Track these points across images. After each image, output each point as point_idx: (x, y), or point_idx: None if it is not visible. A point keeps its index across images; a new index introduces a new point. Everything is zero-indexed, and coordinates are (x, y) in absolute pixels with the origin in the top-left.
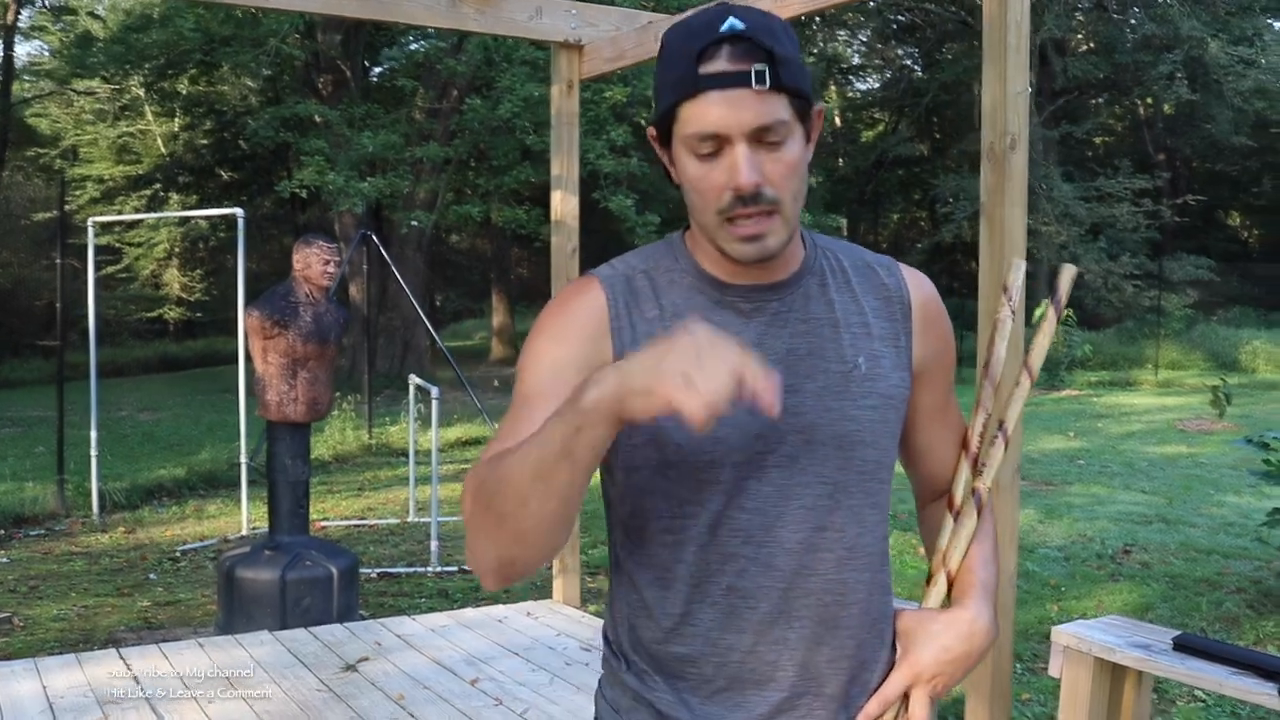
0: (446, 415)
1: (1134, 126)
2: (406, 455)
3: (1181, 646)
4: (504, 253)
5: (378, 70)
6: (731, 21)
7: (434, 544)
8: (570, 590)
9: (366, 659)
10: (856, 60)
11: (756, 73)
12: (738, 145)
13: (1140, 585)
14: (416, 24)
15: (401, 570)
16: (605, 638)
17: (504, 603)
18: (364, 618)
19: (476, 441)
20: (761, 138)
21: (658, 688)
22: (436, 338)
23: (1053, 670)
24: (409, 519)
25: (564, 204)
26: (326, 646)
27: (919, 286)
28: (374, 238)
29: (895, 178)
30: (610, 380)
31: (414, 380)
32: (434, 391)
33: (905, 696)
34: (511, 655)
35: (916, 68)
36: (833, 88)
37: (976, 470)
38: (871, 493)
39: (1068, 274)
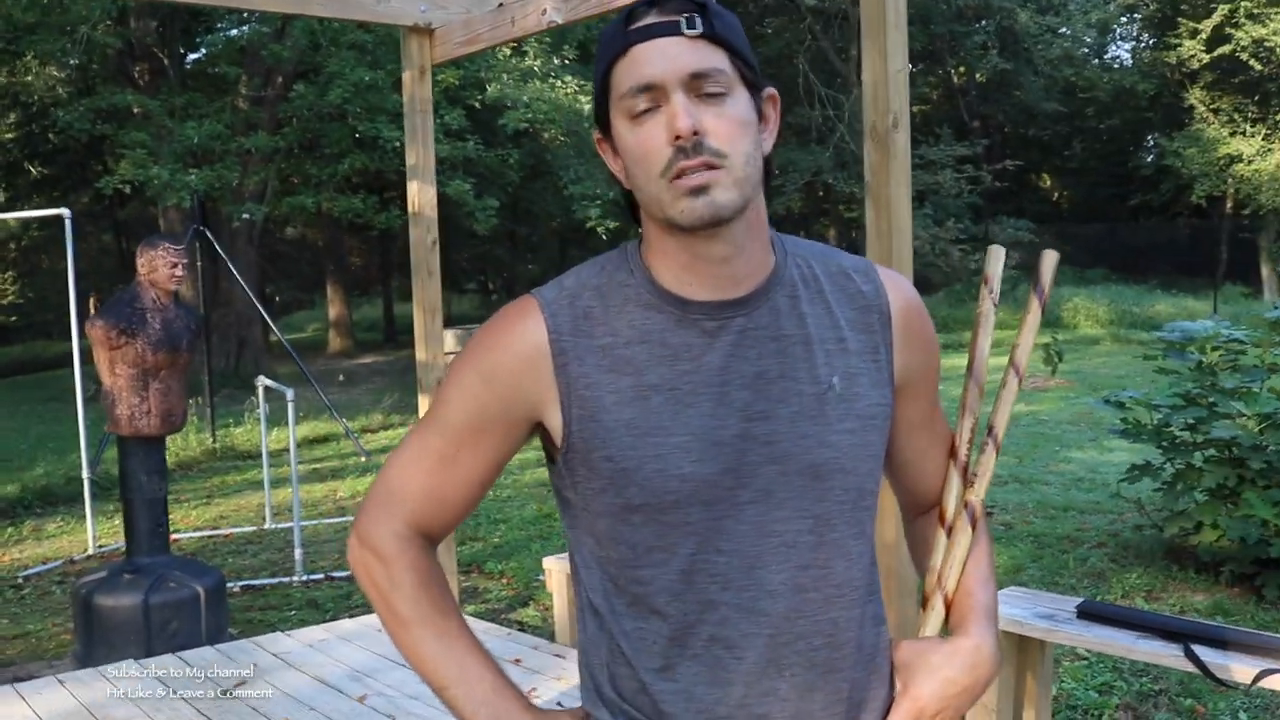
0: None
1: (949, 95)
2: (253, 458)
3: (1085, 614)
4: (337, 242)
5: (193, 57)
6: None
7: (298, 552)
8: None
9: (244, 682)
10: None
11: (686, 18)
12: (674, 94)
13: (1008, 546)
14: (260, 9)
15: (265, 582)
16: (587, 678)
17: None
18: (234, 637)
19: (324, 439)
20: (699, 88)
21: None
22: (279, 335)
23: None
24: (266, 526)
25: (421, 194)
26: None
27: (900, 292)
28: (207, 232)
29: None
30: None
31: (263, 381)
32: (289, 394)
33: None
34: (397, 667)
35: None
36: None
37: (967, 481)
38: (855, 522)
39: (1050, 260)
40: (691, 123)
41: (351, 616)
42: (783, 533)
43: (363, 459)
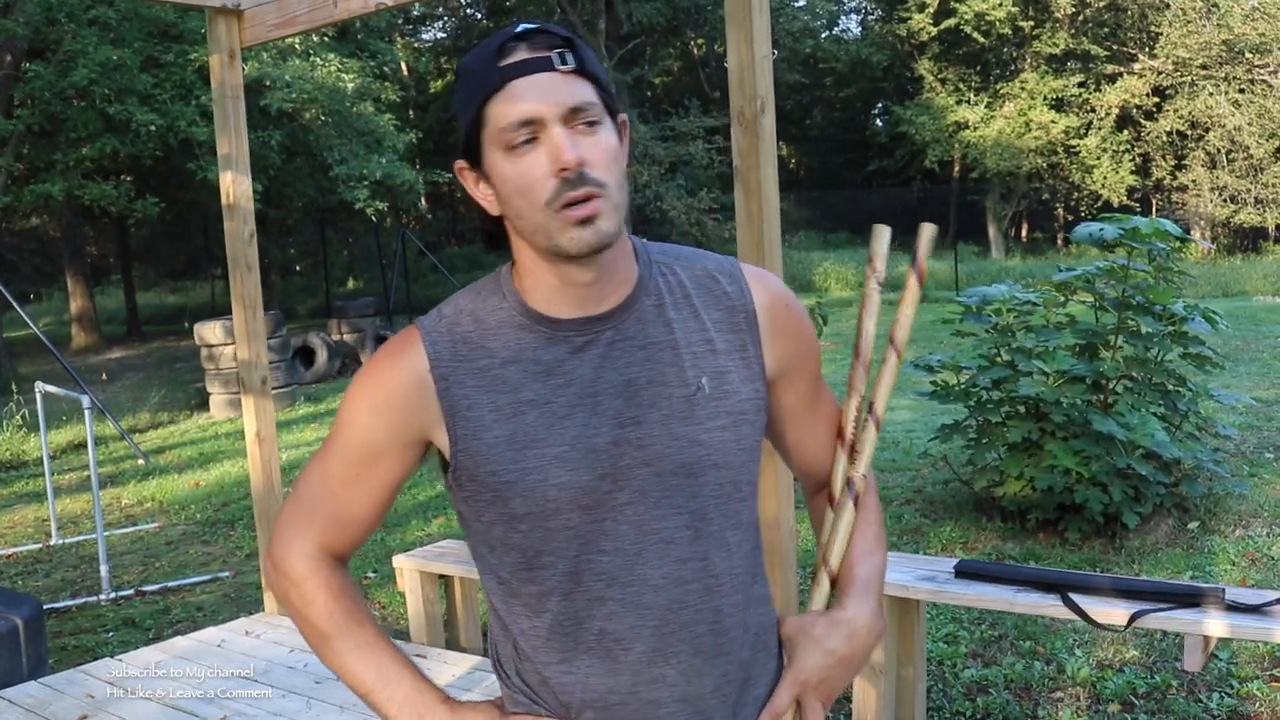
0: (55, 416)
1: (689, 67)
2: (15, 469)
3: (963, 573)
4: (75, 231)
5: None
6: (524, 24)
7: (104, 567)
8: None
9: (86, 717)
10: (418, 11)
11: (558, 54)
12: (552, 127)
13: None
14: None
15: (70, 603)
16: (500, 670)
17: (214, 623)
18: (54, 669)
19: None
20: (574, 119)
21: None
22: (41, 335)
23: None
24: (53, 542)
25: (236, 186)
26: (30, 712)
27: (765, 289)
28: None
29: None
30: None
31: (43, 388)
32: (85, 400)
33: (798, 703)
34: (251, 683)
35: (479, 15)
36: (399, 40)
37: (851, 457)
38: (732, 514)
39: (927, 233)
40: (576, 155)
41: (179, 634)
42: (660, 530)
43: (141, 462)
